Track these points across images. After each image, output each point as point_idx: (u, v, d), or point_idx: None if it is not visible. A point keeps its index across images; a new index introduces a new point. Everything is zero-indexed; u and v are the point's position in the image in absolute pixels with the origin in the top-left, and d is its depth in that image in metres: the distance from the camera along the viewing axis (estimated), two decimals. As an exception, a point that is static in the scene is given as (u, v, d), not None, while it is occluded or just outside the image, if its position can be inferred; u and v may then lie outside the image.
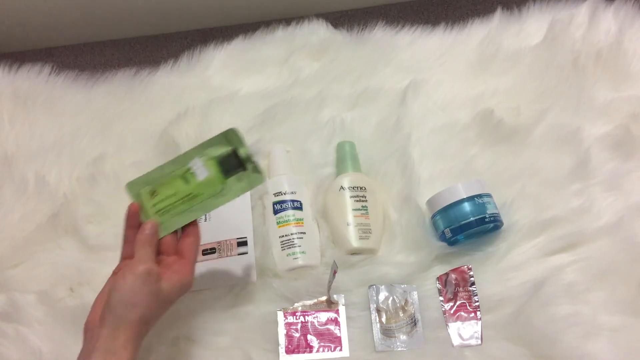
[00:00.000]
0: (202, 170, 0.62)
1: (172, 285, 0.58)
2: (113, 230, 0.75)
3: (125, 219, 0.61)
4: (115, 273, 0.60)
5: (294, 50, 0.88)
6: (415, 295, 0.71)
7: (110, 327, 0.54)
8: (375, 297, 0.70)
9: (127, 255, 0.61)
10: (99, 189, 0.78)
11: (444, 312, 0.70)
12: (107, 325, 0.54)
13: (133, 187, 0.63)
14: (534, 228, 0.72)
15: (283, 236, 0.72)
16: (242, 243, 0.72)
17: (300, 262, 0.70)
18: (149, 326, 0.57)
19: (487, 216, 0.69)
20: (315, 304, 0.70)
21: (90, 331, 0.55)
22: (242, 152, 0.62)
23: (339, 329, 0.69)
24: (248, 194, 0.75)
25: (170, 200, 0.62)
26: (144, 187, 0.63)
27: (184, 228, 0.62)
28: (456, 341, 0.68)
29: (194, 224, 0.62)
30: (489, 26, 0.88)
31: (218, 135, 0.62)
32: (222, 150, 0.62)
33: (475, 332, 0.68)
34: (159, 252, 0.60)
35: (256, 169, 0.62)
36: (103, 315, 0.55)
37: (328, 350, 0.68)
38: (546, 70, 0.84)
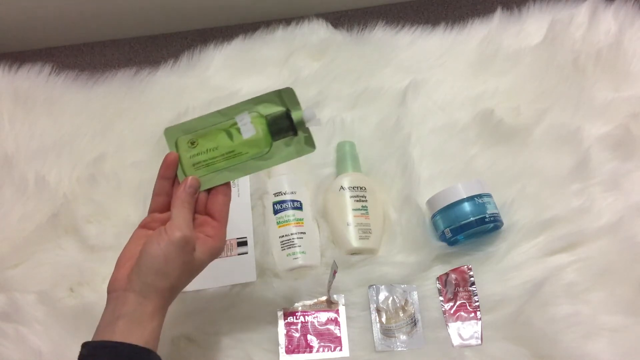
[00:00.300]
0: (249, 127, 0.56)
1: (204, 253, 0.54)
2: (113, 230, 0.75)
3: (160, 168, 0.57)
4: (143, 227, 0.57)
5: (294, 50, 0.88)
6: (415, 295, 0.71)
7: (139, 294, 0.51)
8: (375, 297, 0.70)
9: (156, 208, 0.57)
10: (99, 189, 0.78)
11: (444, 312, 0.70)
12: (135, 291, 0.51)
13: (171, 133, 0.57)
14: (534, 228, 0.72)
15: (283, 236, 0.72)
16: (242, 243, 0.72)
17: (300, 262, 0.70)
18: (176, 294, 0.55)
19: (487, 216, 0.69)
20: (315, 304, 0.70)
21: (116, 292, 0.52)
22: (295, 115, 0.56)
23: (339, 329, 0.69)
24: (248, 193, 0.75)
25: (211, 155, 0.56)
26: (183, 135, 0.57)
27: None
28: (456, 341, 0.68)
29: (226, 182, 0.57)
30: (489, 26, 0.88)
31: (272, 92, 0.57)
32: (274, 109, 0.57)
33: (475, 332, 0.68)
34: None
35: (309, 140, 0.56)
36: (131, 278, 0.52)
37: (328, 350, 0.68)
38: (546, 70, 0.84)
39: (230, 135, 0.57)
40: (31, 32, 0.94)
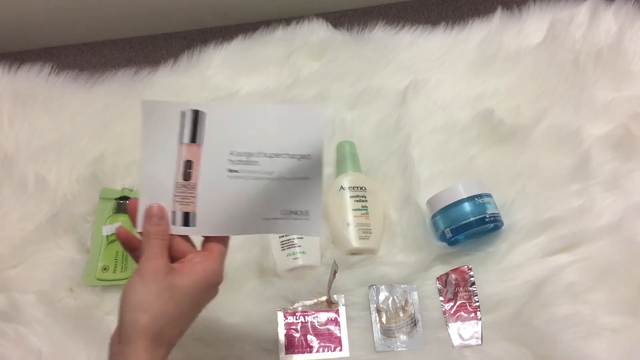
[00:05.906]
0: (112, 227, 0.74)
1: (193, 279, 0.48)
2: (113, 230, 0.75)
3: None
4: None
5: (294, 50, 0.88)
6: (415, 295, 0.71)
7: (123, 343, 0.46)
8: (375, 297, 0.70)
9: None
10: (99, 189, 0.78)
11: (444, 312, 0.70)
12: (121, 341, 0.46)
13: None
14: (534, 228, 0.72)
15: (283, 236, 0.72)
16: None
17: (300, 262, 0.70)
18: (167, 337, 0.47)
19: (487, 216, 0.69)
20: (315, 304, 0.70)
21: (110, 348, 0.48)
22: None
23: (339, 329, 0.69)
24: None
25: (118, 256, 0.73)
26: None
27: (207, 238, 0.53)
28: (456, 341, 0.68)
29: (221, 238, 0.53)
30: (489, 26, 0.88)
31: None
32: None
33: (476, 332, 0.68)
34: (175, 258, 0.51)
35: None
36: (118, 330, 0.47)
37: (328, 351, 0.68)
38: (546, 70, 0.84)
39: (113, 240, 0.75)
40: (31, 32, 0.94)
